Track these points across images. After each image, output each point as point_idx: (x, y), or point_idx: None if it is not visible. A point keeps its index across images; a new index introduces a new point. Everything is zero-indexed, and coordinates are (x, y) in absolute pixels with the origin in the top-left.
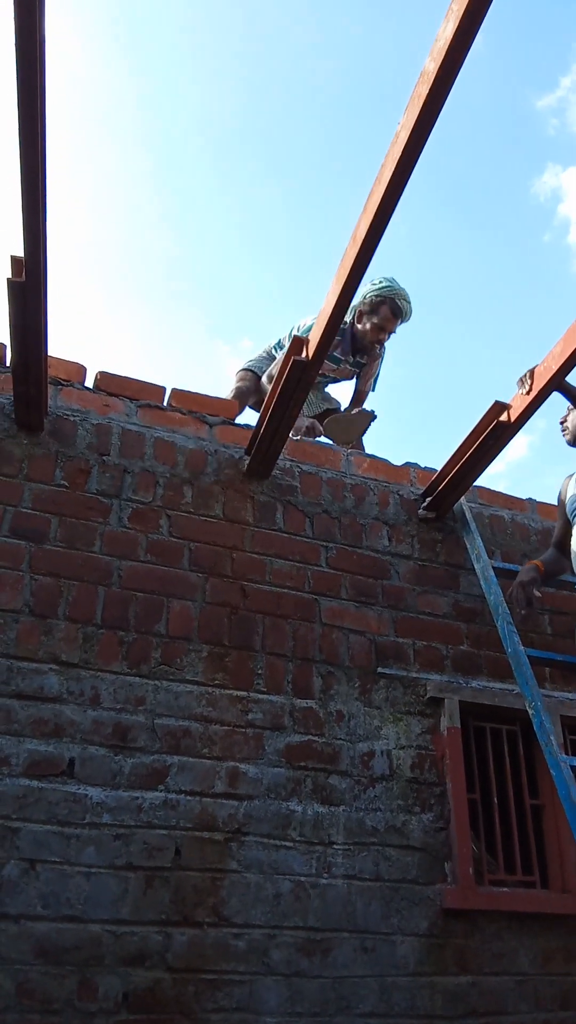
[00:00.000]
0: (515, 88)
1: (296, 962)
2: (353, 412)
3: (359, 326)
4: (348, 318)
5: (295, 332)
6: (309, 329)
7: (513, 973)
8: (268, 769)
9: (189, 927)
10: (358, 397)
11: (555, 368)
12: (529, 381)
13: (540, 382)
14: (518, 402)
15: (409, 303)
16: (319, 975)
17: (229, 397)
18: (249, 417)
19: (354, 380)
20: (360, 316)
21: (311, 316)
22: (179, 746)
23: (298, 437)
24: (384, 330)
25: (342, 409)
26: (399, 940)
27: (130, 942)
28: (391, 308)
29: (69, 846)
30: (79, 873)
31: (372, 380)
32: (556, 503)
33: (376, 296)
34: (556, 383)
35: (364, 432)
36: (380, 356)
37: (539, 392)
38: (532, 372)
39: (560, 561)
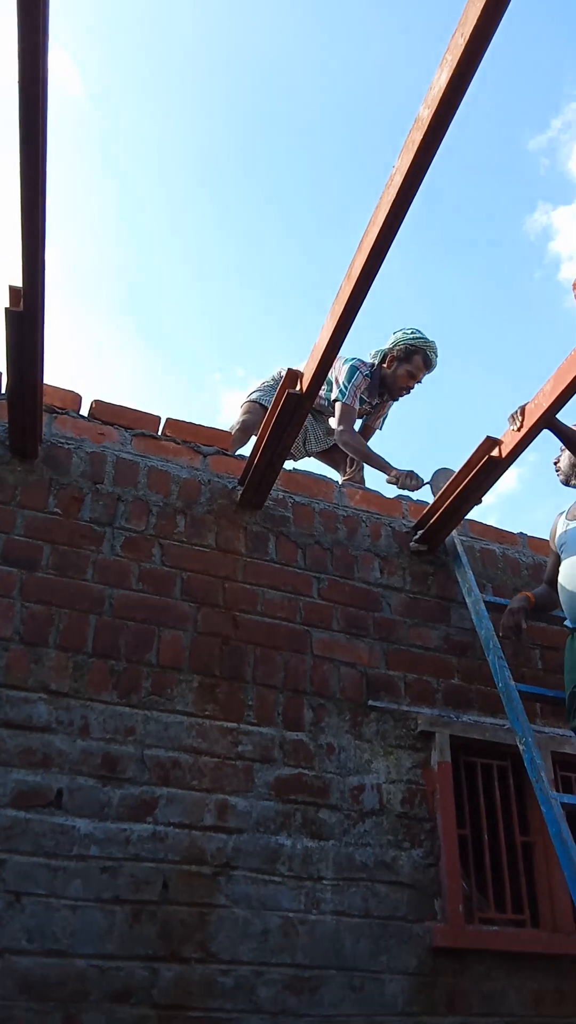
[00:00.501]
0: (508, 129)
1: (283, 1000)
2: (451, 470)
3: (388, 370)
4: (375, 361)
5: (332, 375)
6: (347, 378)
7: (503, 1014)
8: (257, 802)
9: (176, 963)
10: (365, 432)
11: (546, 406)
12: (520, 418)
13: (531, 419)
14: (509, 438)
15: (437, 356)
16: (306, 1014)
17: (235, 429)
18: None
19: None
20: (391, 362)
21: (340, 359)
22: (168, 777)
23: (396, 483)
24: (415, 378)
25: None
26: (388, 978)
27: (116, 978)
28: (423, 359)
29: (55, 879)
30: (65, 906)
31: (382, 419)
32: (548, 538)
33: (410, 344)
34: (546, 421)
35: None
36: (391, 401)
37: (530, 429)
38: (523, 409)
39: (551, 596)
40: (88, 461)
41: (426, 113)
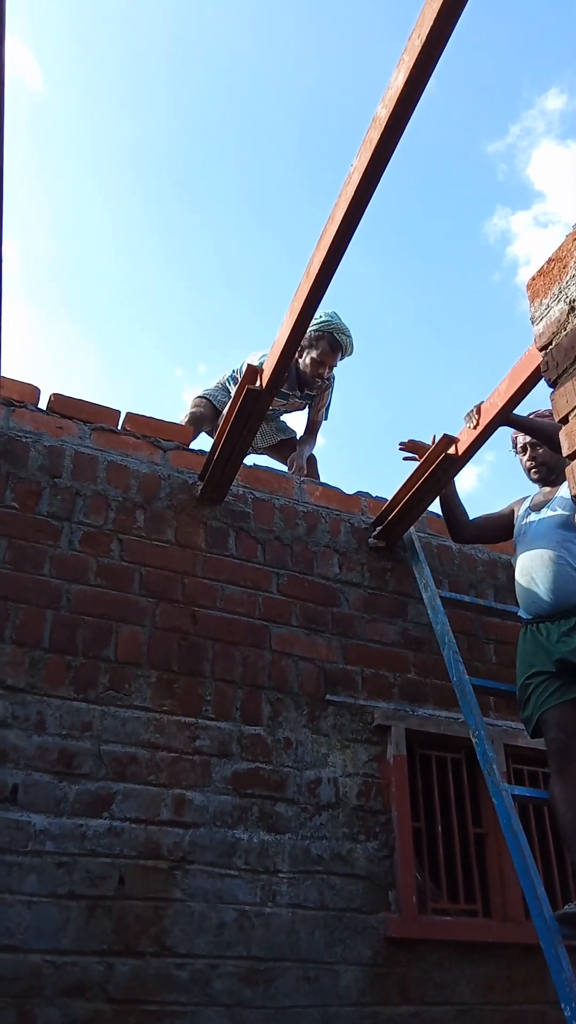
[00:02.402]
0: (466, 134)
1: (239, 992)
2: None
3: (301, 360)
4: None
5: (244, 367)
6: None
7: (455, 1002)
8: (215, 796)
9: (131, 957)
10: (311, 427)
11: (500, 404)
12: (476, 416)
13: (487, 417)
14: (466, 436)
15: (349, 337)
16: (262, 1005)
17: (183, 422)
18: (204, 443)
19: (306, 410)
20: (301, 351)
21: (260, 352)
22: (125, 773)
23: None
24: (324, 364)
25: (297, 437)
26: (342, 969)
27: (71, 973)
28: (329, 343)
29: (10, 874)
30: (20, 902)
31: (324, 410)
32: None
33: (315, 331)
34: (502, 418)
35: None
36: (330, 386)
37: (486, 427)
38: (479, 408)
39: (462, 513)
40: (46, 455)
41: (384, 112)
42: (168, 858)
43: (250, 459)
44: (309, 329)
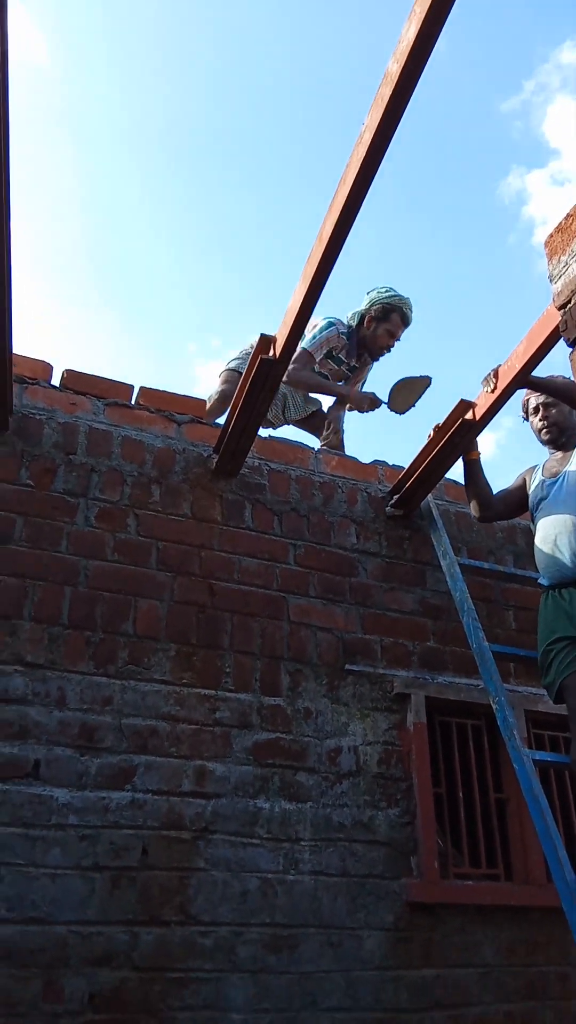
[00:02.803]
0: (479, 91)
1: (263, 959)
2: (415, 377)
3: (367, 331)
4: (352, 323)
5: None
6: (320, 331)
7: (477, 965)
8: (235, 767)
9: (156, 926)
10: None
11: (518, 367)
12: (494, 380)
13: (504, 381)
14: (483, 400)
15: (412, 311)
16: (285, 971)
17: (212, 399)
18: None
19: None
20: (369, 322)
21: (319, 317)
22: (146, 746)
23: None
24: (394, 336)
25: (324, 409)
26: (365, 935)
27: (96, 943)
28: (400, 316)
29: (34, 848)
30: (44, 875)
31: (361, 384)
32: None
33: (386, 303)
34: (520, 381)
35: (420, 398)
36: (370, 365)
37: (504, 390)
38: (496, 371)
39: (487, 488)
40: (60, 431)
41: (395, 68)
42: (191, 828)
43: (266, 431)
44: (377, 301)
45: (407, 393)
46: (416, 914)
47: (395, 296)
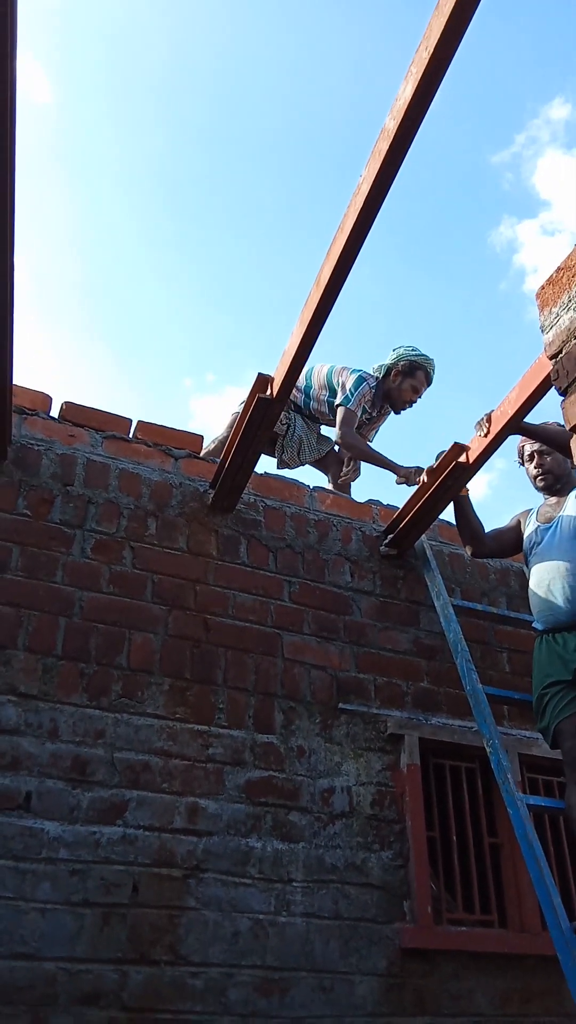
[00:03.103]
0: (471, 144)
1: (253, 1002)
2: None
3: (393, 384)
4: (379, 375)
5: (313, 376)
6: (354, 387)
7: (471, 1014)
8: (228, 805)
9: (146, 965)
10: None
11: (511, 413)
12: (487, 425)
13: (497, 426)
14: (476, 444)
15: (434, 373)
16: (277, 1015)
17: (216, 441)
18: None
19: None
20: (396, 376)
21: (344, 369)
22: (138, 780)
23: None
24: (417, 392)
25: (336, 449)
26: (357, 980)
27: (85, 981)
28: (425, 374)
29: (24, 881)
30: (34, 909)
31: (374, 433)
32: (512, 521)
33: (414, 360)
34: (514, 426)
35: None
36: (386, 415)
37: (496, 434)
38: (489, 416)
39: (478, 526)
40: (58, 463)
41: (392, 124)
42: (182, 866)
43: (262, 467)
44: (405, 356)
45: None
46: (409, 960)
47: (423, 356)
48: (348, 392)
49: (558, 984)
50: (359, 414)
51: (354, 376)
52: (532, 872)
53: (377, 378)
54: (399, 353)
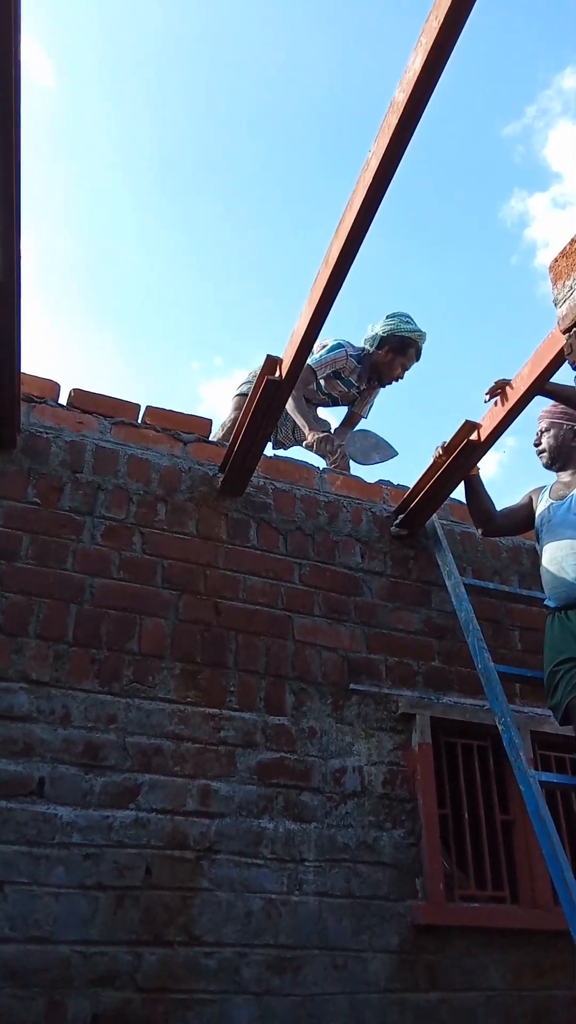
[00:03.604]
0: (481, 116)
1: (267, 980)
2: (383, 442)
3: (383, 359)
4: (368, 348)
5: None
6: (327, 351)
7: (483, 989)
8: (240, 787)
9: (159, 947)
10: (351, 419)
11: (523, 389)
12: (502, 393)
13: (513, 398)
14: (490, 417)
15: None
16: (290, 993)
17: (224, 426)
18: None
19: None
20: (387, 352)
21: (329, 338)
22: (151, 764)
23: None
24: (406, 369)
25: (332, 431)
26: (370, 957)
27: (99, 963)
28: (417, 352)
29: (38, 866)
30: (48, 894)
31: (368, 407)
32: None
33: (406, 336)
34: (523, 403)
35: (374, 463)
36: (378, 388)
37: (508, 411)
38: (501, 384)
39: (489, 505)
40: (67, 450)
41: (401, 97)
42: (195, 848)
43: (276, 451)
44: (396, 331)
45: (367, 449)
46: (421, 937)
47: (416, 331)
48: (320, 355)
49: (570, 958)
50: (321, 375)
51: (333, 342)
52: (545, 848)
53: (365, 350)
54: (391, 326)
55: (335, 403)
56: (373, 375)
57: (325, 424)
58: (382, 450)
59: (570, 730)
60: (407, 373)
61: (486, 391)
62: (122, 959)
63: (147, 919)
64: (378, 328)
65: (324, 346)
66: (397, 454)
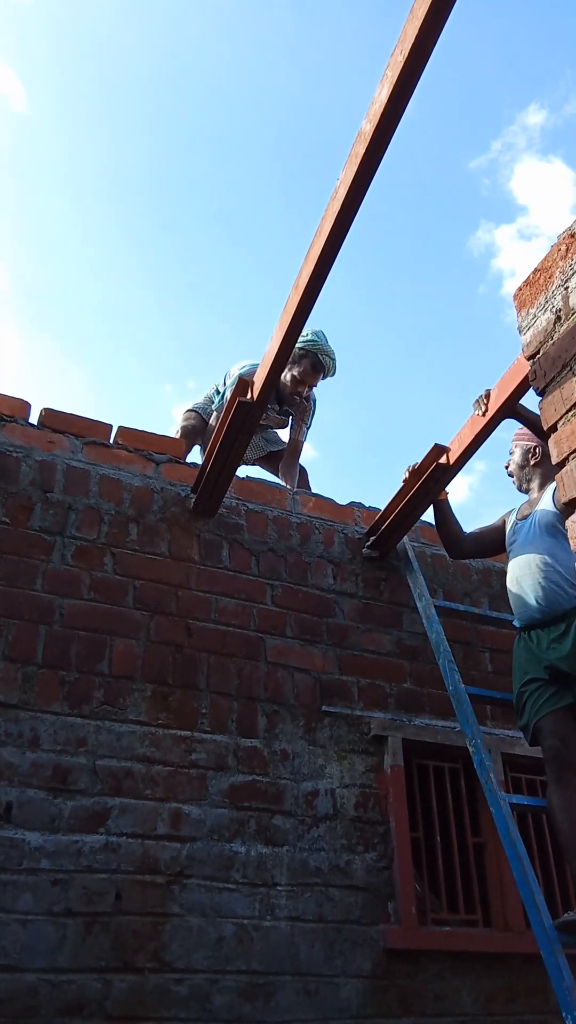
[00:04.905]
0: (448, 150)
1: (238, 1007)
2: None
3: (282, 376)
4: None
5: (228, 379)
6: (234, 380)
7: (456, 1014)
8: (211, 810)
9: (129, 973)
10: (293, 446)
11: (491, 414)
12: (485, 403)
13: (475, 428)
14: (456, 445)
15: (333, 359)
16: (261, 1020)
17: (175, 436)
18: (196, 456)
19: (287, 430)
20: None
21: (243, 362)
22: (121, 787)
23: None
24: (304, 383)
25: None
26: (342, 982)
27: (68, 991)
28: (312, 363)
29: (5, 893)
30: (15, 921)
31: (304, 429)
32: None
33: (300, 349)
34: (490, 428)
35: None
36: (312, 407)
37: (479, 432)
38: (488, 394)
39: (456, 528)
40: (38, 469)
41: (368, 127)
42: (165, 873)
43: (242, 471)
44: (297, 345)
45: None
46: (394, 961)
47: (310, 341)
48: (230, 382)
49: (542, 982)
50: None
51: (241, 368)
52: (515, 871)
53: None
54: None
55: (267, 428)
56: (280, 398)
57: (281, 443)
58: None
59: (539, 752)
60: (311, 389)
61: (473, 402)
62: (91, 987)
63: (117, 945)
64: None
65: (234, 374)
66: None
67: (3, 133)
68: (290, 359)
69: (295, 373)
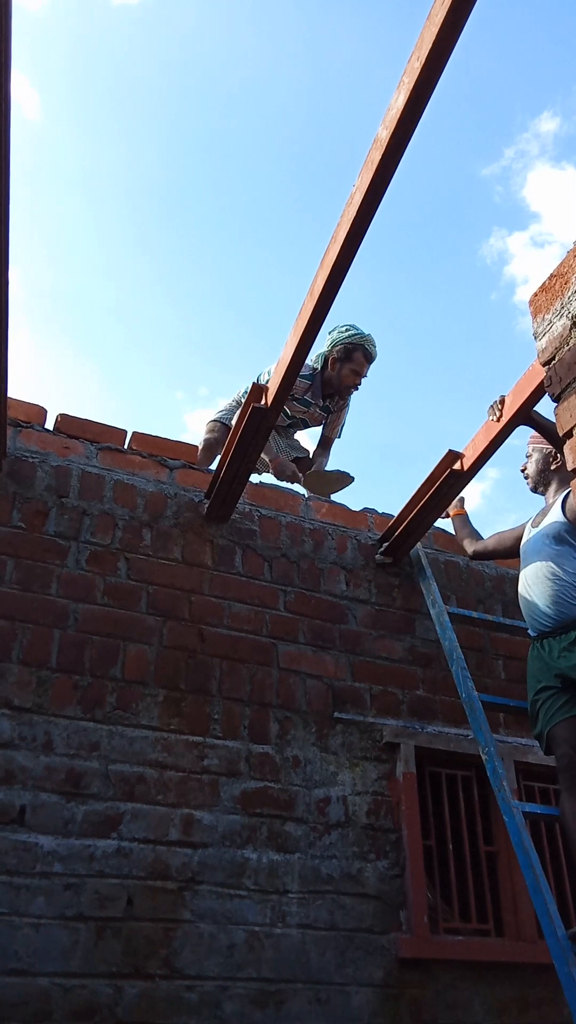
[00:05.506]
0: (462, 157)
1: (249, 1014)
2: (335, 471)
3: (332, 372)
4: (316, 365)
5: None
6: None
7: None
8: (223, 816)
9: (140, 979)
10: (324, 442)
11: (505, 420)
12: (499, 408)
13: (489, 435)
14: (470, 451)
15: (375, 347)
16: None
17: (200, 448)
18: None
19: (321, 427)
20: (333, 363)
21: (273, 367)
22: (133, 793)
23: (284, 480)
24: (359, 374)
25: (310, 455)
26: (354, 991)
27: (79, 996)
28: (364, 354)
29: (18, 896)
30: (28, 924)
31: (339, 428)
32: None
33: (348, 342)
34: (505, 434)
35: (337, 491)
36: (346, 406)
37: (493, 439)
38: (503, 400)
39: (476, 534)
40: (53, 475)
41: (384, 133)
42: (177, 879)
43: (256, 477)
44: (338, 341)
45: (323, 483)
46: (405, 970)
47: (357, 334)
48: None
49: (555, 992)
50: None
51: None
52: (528, 880)
53: (314, 369)
54: (332, 339)
55: (305, 425)
56: (330, 391)
57: (304, 451)
58: (339, 481)
59: (553, 760)
60: (364, 379)
61: (488, 407)
62: (102, 992)
63: (128, 951)
64: (323, 348)
65: (270, 370)
66: (354, 479)
67: (17, 140)
68: (338, 355)
69: (352, 367)
